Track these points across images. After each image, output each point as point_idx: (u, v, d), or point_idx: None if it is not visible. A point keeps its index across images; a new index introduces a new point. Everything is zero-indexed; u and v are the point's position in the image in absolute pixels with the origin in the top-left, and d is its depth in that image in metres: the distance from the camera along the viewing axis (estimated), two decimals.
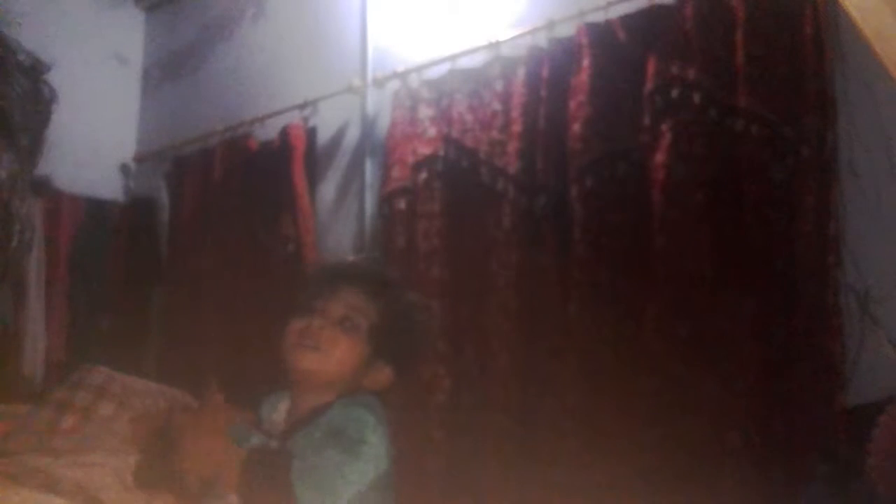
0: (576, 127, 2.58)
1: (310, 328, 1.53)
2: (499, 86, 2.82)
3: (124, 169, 4.09)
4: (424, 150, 2.94)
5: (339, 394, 1.53)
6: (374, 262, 1.93)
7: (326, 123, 3.41)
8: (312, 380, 1.53)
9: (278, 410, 1.59)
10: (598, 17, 2.63)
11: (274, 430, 1.54)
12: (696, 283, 2.34)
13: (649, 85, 2.47)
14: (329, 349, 1.52)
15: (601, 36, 2.61)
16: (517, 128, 2.73)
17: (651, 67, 2.48)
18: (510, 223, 2.70)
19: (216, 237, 3.55)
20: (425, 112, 2.98)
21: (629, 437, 2.35)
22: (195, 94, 3.99)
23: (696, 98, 2.40)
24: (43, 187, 3.48)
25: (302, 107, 3.39)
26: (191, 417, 1.59)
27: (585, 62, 2.60)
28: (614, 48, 2.59)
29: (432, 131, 2.95)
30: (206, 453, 1.48)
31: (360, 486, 1.43)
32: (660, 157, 2.42)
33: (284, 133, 3.38)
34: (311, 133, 3.41)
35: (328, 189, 3.40)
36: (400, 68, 3.10)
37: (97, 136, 3.84)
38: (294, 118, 3.40)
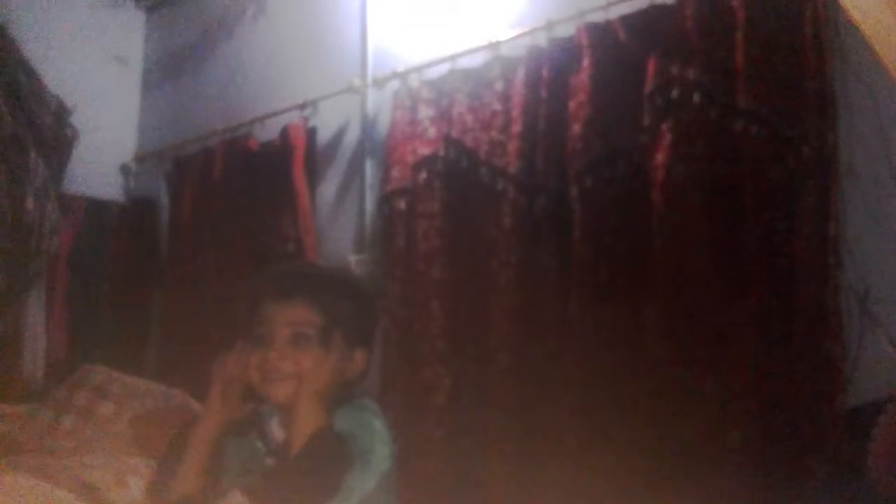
0: (576, 127, 2.58)
1: (268, 362, 1.52)
2: (499, 86, 2.82)
3: (124, 169, 4.09)
4: (424, 150, 2.94)
5: (329, 398, 1.52)
6: (296, 265, 1.87)
7: (326, 123, 3.41)
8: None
9: (273, 422, 1.58)
10: (598, 17, 2.63)
11: (273, 443, 1.54)
12: (696, 283, 2.34)
13: (649, 85, 2.47)
14: (296, 374, 1.50)
15: (601, 36, 2.61)
16: (517, 128, 2.73)
17: (651, 67, 2.47)
18: (510, 223, 2.70)
19: (216, 237, 3.54)
20: (425, 112, 2.98)
21: (629, 437, 2.35)
22: (195, 94, 3.99)
23: (696, 98, 2.40)
24: (67, 202, 3.57)
25: (302, 107, 3.39)
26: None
27: (585, 62, 2.60)
28: (614, 48, 2.59)
29: (432, 131, 2.95)
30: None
31: (362, 493, 1.44)
32: (660, 157, 2.42)
33: (284, 133, 3.38)
34: (311, 133, 3.41)
35: (328, 189, 3.40)
36: (400, 68, 3.10)
37: (97, 136, 3.83)
38: (294, 118, 3.40)
